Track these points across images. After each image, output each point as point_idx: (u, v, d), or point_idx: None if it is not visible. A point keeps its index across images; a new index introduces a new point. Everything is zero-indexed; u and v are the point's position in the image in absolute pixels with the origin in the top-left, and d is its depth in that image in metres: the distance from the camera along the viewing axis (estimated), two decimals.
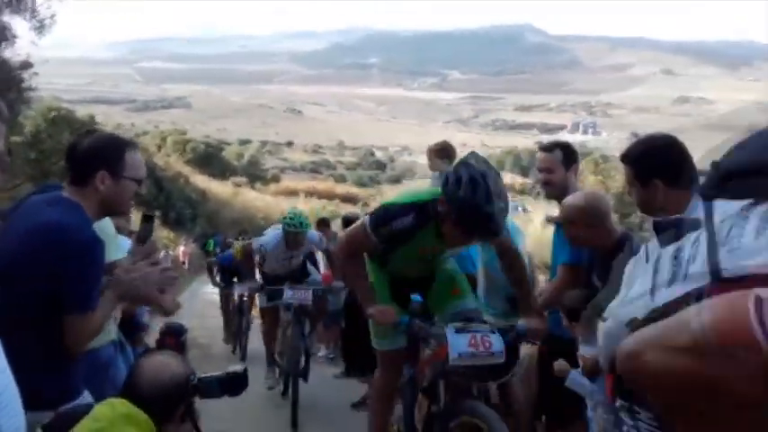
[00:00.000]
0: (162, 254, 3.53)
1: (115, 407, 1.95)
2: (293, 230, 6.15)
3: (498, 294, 4.28)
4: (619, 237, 3.17)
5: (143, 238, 3.26)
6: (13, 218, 2.30)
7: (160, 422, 2.02)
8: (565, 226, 3.27)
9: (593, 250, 3.36)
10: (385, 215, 3.23)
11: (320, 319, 7.75)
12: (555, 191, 3.83)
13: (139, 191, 2.47)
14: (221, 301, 11.48)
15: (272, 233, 6.59)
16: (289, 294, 6.09)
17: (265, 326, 7.16)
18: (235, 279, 10.38)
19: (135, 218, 4.43)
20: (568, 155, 3.89)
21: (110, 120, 64.78)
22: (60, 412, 2.05)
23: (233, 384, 2.39)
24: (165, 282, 2.50)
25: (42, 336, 2.18)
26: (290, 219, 6.20)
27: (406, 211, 3.16)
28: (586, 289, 3.46)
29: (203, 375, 2.27)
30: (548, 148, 3.99)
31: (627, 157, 2.79)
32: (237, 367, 2.48)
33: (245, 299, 9.79)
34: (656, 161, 2.69)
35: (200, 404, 2.22)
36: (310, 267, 7.41)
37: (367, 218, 3.31)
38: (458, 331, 2.90)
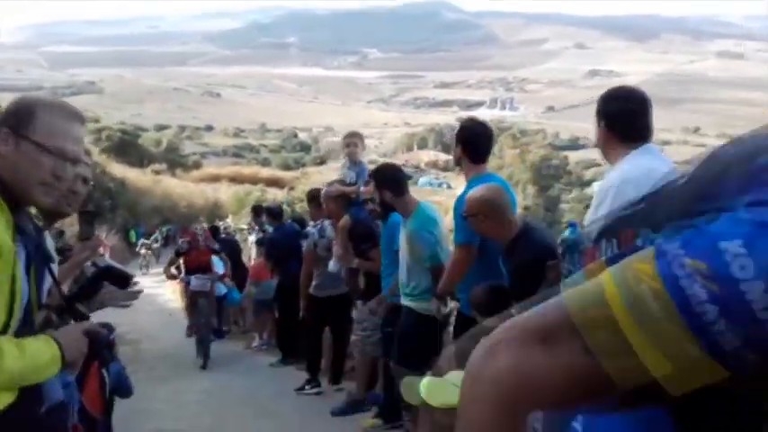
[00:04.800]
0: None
1: None
2: None
3: (421, 267, 4.36)
4: (519, 229, 3.30)
5: (86, 235, 3.16)
6: None
7: None
8: (469, 219, 3.40)
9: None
10: None
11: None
12: None
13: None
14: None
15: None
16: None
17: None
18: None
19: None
20: None
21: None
22: None
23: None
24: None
25: None
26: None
27: None
28: (491, 279, 3.58)
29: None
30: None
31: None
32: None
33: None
34: (605, 106, 2.95)
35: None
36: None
37: None
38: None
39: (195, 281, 8.47)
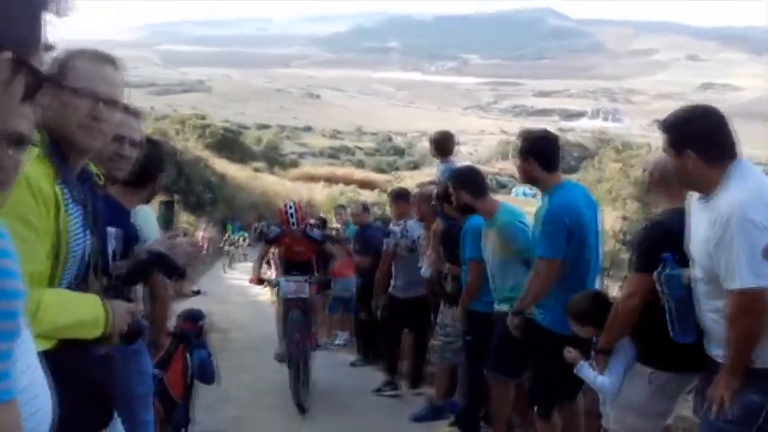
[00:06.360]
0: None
1: None
2: None
3: (518, 262, 4.15)
4: (674, 210, 2.97)
5: (166, 223, 3.19)
6: None
7: None
8: (646, 174, 3.28)
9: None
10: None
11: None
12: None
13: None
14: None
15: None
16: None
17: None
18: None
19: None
20: None
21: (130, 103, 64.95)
22: None
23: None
24: (194, 254, 2.41)
25: None
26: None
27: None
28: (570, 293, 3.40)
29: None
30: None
31: (663, 124, 2.72)
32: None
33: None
34: (689, 130, 2.60)
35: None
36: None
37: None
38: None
39: (286, 285, 6.01)
